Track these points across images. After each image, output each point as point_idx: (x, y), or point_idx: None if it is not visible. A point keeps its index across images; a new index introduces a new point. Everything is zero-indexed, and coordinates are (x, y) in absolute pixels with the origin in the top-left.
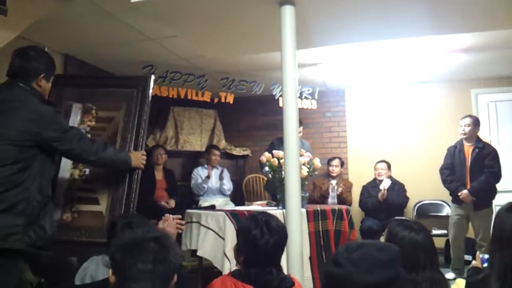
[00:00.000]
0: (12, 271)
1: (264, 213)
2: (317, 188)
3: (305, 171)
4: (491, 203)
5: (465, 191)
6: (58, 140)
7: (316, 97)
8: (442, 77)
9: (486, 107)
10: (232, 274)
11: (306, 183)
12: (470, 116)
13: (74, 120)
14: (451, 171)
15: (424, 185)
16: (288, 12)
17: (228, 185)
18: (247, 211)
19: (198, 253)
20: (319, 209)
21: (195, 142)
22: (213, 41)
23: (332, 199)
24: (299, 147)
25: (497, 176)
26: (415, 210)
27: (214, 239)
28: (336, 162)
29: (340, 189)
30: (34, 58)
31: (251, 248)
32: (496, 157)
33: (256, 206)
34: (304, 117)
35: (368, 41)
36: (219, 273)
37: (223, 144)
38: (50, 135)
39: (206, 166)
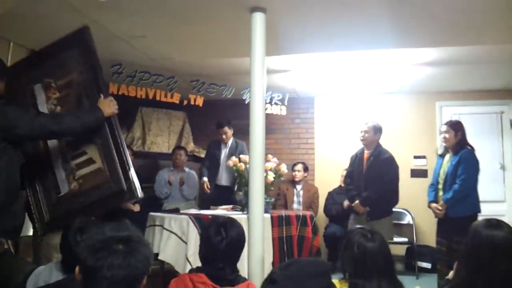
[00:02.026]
0: None
1: (227, 217)
2: (281, 193)
3: (271, 176)
4: (389, 212)
5: (356, 202)
6: (16, 127)
7: (286, 103)
8: (408, 89)
9: (450, 119)
10: (189, 271)
11: (272, 188)
12: (371, 122)
13: (41, 100)
14: (351, 180)
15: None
16: (258, 19)
17: (188, 190)
18: (212, 215)
19: (160, 257)
20: (283, 214)
21: (163, 143)
22: (183, 43)
23: (297, 205)
24: (264, 152)
25: (391, 184)
26: (391, 216)
27: (176, 243)
28: (299, 167)
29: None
30: None
31: (206, 246)
32: (388, 164)
33: (221, 211)
34: (273, 123)
35: (336, 51)
36: None
37: (191, 146)
38: (6, 124)
39: (172, 168)
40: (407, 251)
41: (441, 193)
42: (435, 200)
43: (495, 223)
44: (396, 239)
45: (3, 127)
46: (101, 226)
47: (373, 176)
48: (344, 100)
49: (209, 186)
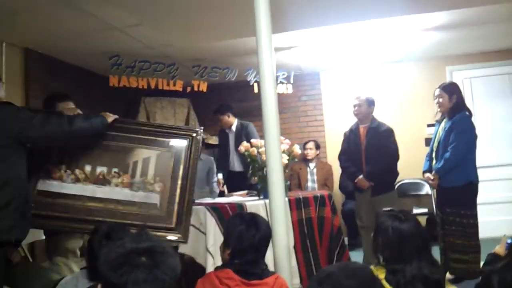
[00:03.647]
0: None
1: (250, 212)
2: (294, 173)
3: (284, 159)
4: (393, 186)
5: (360, 177)
6: (28, 129)
7: (292, 81)
8: (417, 55)
9: (461, 84)
10: (215, 268)
11: (287, 170)
12: (363, 95)
13: None
14: (347, 157)
15: (404, 164)
16: None
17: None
18: (228, 203)
19: (180, 250)
20: (301, 196)
21: None
22: (181, 28)
23: (311, 183)
24: (279, 135)
25: (393, 156)
26: (396, 190)
27: (195, 235)
28: (310, 145)
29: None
30: None
31: (239, 241)
32: (390, 136)
33: (237, 197)
34: (279, 102)
35: (343, 23)
36: (201, 268)
37: None
38: (18, 127)
39: None
40: (427, 221)
41: (434, 162)
42: (429, 170)
43: None
44: (416, 211)
45: (17, 131)
46: (126, 232)
47: (374, 149)
48: (351, 72)
49: (221, 183)
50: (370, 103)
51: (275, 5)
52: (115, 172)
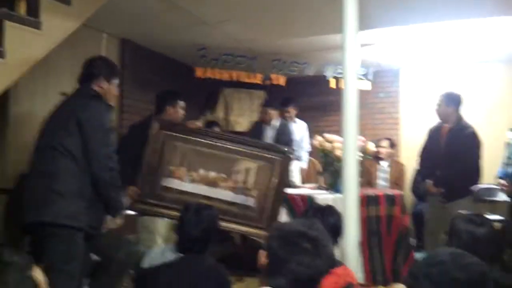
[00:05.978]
0: (75, 244)
1: (326, 204)
2: (364, 170)
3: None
4: (468, 192)
5: (429, 182)
6: (90, 133)
7: (370, 78)
8: (506, 57)
9: None
10: None
11: (360, 168)
12: (446, 92)
13: None
14: (426, 157)
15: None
16: None
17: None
18: (299, 195)
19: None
20: (372, 194)
21: (244, 123)
22: (268, 25)
23: (383, 181)
24: (357, 132)
25: (472, 162)
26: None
27: None
28: (384, 143)
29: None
30: (95, 65)
31: None
32: (471, 140)
33: (305, 190)
34: None
35: (432, 22)
36: None
37: None
38: (85, 124)
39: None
40: (501, 229)
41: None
42: (503, 177)
43: None
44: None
45: (89, 129)
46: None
47: (452, 153)
48: (433, 71)
49: None
50: (449, 101)
51: (363, 3)
52: (223, 177)
